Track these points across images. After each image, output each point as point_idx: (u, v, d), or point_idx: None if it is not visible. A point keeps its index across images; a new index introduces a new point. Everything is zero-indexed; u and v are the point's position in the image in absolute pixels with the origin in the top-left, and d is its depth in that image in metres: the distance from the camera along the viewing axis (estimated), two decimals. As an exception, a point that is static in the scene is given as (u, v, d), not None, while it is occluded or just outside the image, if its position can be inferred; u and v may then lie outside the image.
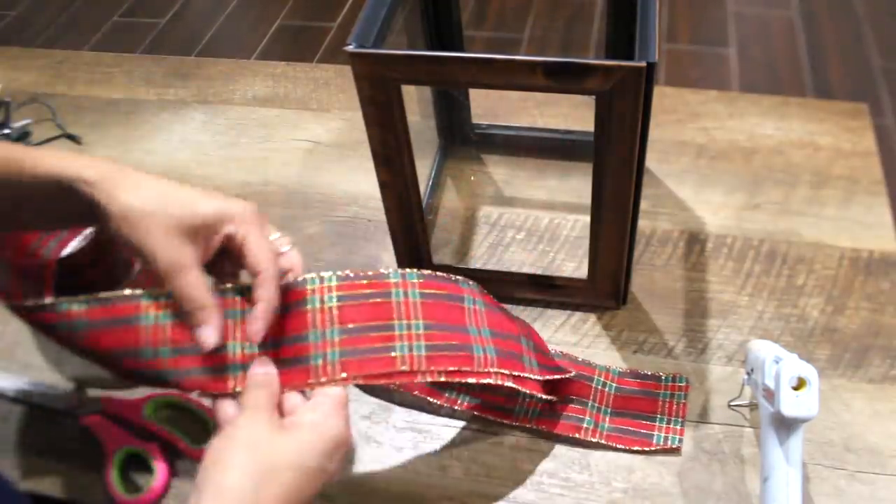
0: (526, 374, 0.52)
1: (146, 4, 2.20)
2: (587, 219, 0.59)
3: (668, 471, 0.55)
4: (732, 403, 0.58)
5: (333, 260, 0.71)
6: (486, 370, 0.49)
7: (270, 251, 0.47)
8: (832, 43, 1.79)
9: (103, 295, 0.47)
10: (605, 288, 0.63)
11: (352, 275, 0.49)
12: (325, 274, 0.49)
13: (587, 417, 0.58)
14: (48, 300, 0.47)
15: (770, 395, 0.49)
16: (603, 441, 0.57)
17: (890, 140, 1.54)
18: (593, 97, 0.49)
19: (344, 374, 0.47)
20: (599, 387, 0.60)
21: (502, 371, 0.50)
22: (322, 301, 0.48)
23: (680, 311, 0.65)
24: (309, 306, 0.48)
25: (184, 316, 0.46)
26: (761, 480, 0.49)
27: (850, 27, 1.82)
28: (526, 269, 0.69)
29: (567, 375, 0.57)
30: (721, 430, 0.57)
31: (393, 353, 0.48)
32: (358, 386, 0.61)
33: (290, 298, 0.48)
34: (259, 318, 0.46)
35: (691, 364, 0.61)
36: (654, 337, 0.63)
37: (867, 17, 1.84)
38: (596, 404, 0.59)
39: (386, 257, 0.71)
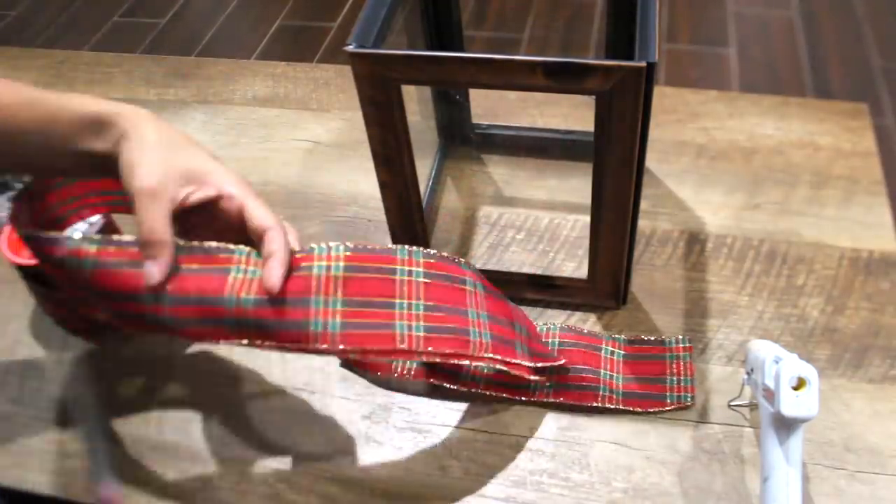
0: (517, 361, 0.53)
1: (146, 4, 2.20)
2: (587, 219, 0.59)
3: (668, 471, 0.55)
4: (732, 403, 0.58)
5: (333, 260, 0.71)
6: (480, 355, 0.50)
7: (271, 211, 0.49)
8: (832, 43, 1.79)
9: (115, 237, 0.48)
10: (605, 288, 0.63)
11: (360, 247, 0.50)
12: (334, 244, 0.49)
13: (601, 385, 0.59)
14: (62, 233, 0.47)
15: (770, 395, 0.49)
16: (620, 407, 0.58)
17: (890, 140, 1.55)
18: (593, 97, 0.49)
19: (342, 346, 0.47)
20: (608, 355, 0.61)
21: (496, 357, 0.51)
22: (329, 269, 0.49)
23: (680, 311, 0.65)
24: (315, 272, 0.48)
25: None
26: (761, 480, 0.49)
27: (850, 27, 1.82)
28: (526, 269, 0.69)
29: (557, 363, 0.58)
30: (721, 430, 0.57)
31: (392, 331, 0.48)
32: (368, 379, 0.61)
33: (296, 262, 0.49)
34: (277, 268, 0.47)
35: (691, 364, 0.61)
36: (654, 337, 0.63)
37: (867, 17, 1.84)
38: (608, 372, 0.60)
39: (386, 257, 0.71)
